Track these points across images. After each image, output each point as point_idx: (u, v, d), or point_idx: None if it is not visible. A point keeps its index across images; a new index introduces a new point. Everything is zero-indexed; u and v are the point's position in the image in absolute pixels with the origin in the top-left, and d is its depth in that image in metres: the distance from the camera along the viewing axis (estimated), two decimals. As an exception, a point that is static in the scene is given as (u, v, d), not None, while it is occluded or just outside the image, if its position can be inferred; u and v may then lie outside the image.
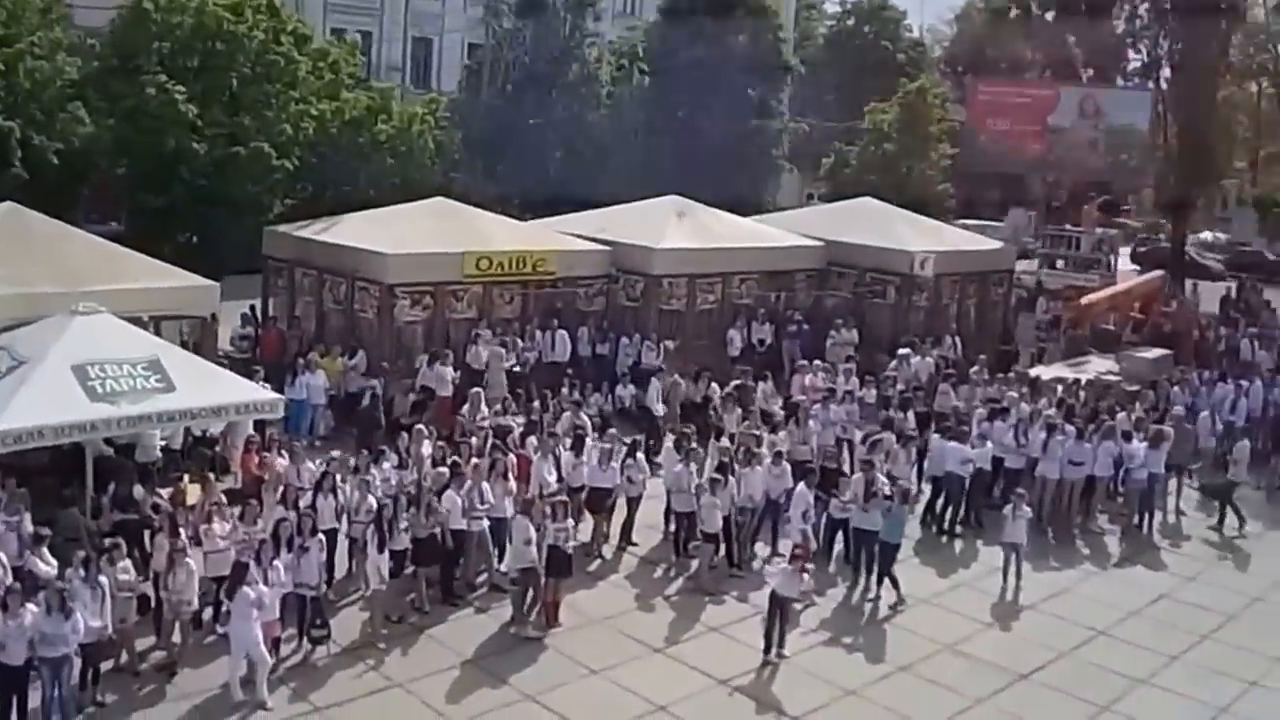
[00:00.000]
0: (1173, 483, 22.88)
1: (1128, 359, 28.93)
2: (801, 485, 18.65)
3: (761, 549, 19.51)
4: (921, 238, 32.92)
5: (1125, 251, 45.45)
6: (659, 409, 23.83)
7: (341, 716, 14.13)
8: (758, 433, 20.89)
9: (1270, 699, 15.95)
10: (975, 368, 26.78)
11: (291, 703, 14.25)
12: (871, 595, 18.30)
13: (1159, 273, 34.06)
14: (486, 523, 17.35)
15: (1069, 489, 21.67)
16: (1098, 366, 29.08)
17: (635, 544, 19.59)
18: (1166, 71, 48.65)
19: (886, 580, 18.20)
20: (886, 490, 18.49)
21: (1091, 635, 17.52)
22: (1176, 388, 26.36)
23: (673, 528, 19.57)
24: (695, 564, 18.72)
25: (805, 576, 16.33)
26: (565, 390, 23.11)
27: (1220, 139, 46.37)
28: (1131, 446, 21.80)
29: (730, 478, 18.65)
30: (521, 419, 21.39)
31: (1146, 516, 21.99)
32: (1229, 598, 19.22)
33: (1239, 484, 22.90)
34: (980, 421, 22.59)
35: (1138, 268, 37.81)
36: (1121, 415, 23.52)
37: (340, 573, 16.82)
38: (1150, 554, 21.12)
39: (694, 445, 19.62)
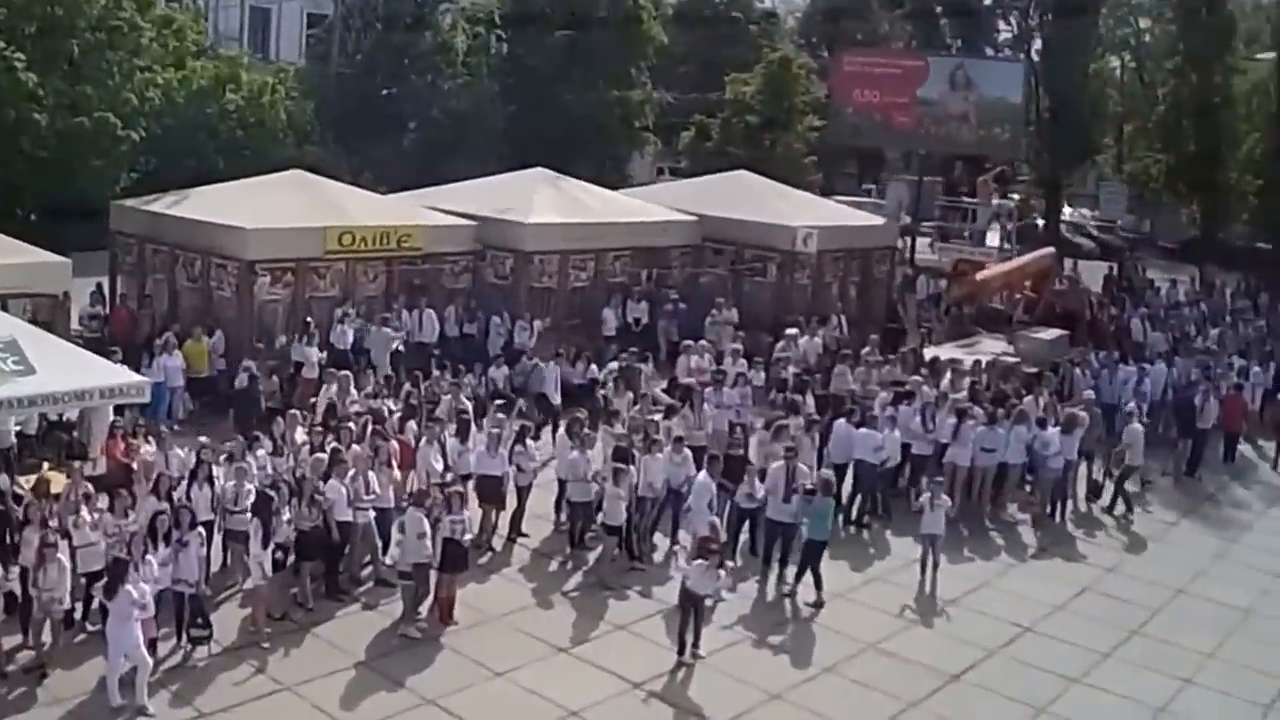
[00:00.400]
0: (1083, 469, 23.08)
1: (1024, 340, 29.09)
2: (704, 474, 18.23)
3: (660, 540, 18.97)
4: (802, 213, 32.86)
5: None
6: (556, 397, 23.21)
7: (229, 724, 13.31)
8: (655, 418, 20.34)
9: (1206, 697, 16.02)
10: (867, 349, 26.62)
11: (174, 707, 13.48)
12: (787, 590, 17.96)
13: (1049, 250, 34.39)
14: (372, 513, 16.59)
15: (981, 477, 21.70)
16: (991, 347, 29.22)
17: (526, 535, 18.95)
18: (1038, 44, 49.86)
19: (807, 576, 17.82)
20: (808, 482, 18.18)
21: (1019, 632, 17.46)
22: (1078, 370, 26.68)
23: (565, 518, 19.04)
24: (593, 557, 18.23)
25: (722, 573, 15.90)
26: (437, 372, 22.36)
27: (1092, 114, 47.42)
28: (1047, 433, 21.88)
29: (631, 466, 18.14)
30: (393, 403, 20.62)
31: (1060, 505, 22.13)
32: (1152, 590, 19.37)
33: (1135, 469, 23.08)
34: (884, 406, 22.43)
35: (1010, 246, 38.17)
36: (1029, 399, 23.72)
37: (214, 567, 16.01)
38: (1066, 544, 21.22)
39: (588, 431, 19.06)
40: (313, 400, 20.91)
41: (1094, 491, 22.99)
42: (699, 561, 15.65)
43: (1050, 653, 16.88)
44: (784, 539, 18.26)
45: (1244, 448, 27.13)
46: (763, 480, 18.68)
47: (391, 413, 19.95)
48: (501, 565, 18.02)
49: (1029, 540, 21.23)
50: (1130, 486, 23.02)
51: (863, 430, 21.00)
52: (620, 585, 17.56)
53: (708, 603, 16.00)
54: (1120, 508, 22.68)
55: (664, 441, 19.12)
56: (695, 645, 15.65)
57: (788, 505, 18.10)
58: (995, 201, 35.46)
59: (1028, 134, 44.60)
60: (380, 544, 16.88)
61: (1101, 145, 51.67)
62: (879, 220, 36.95)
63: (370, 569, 16.99)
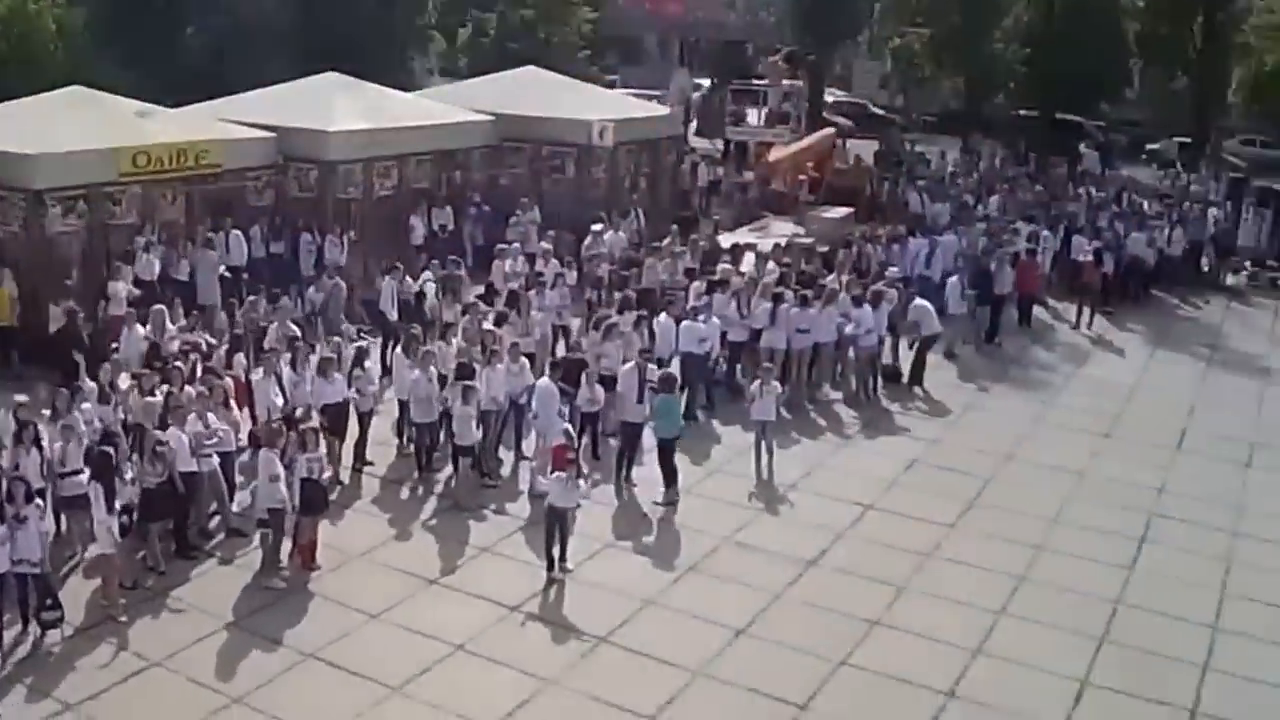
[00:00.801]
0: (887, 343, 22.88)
1: (814, 220, 28.90)
2: (545, 380, 17.43)
3: (503, 453, 18.11)
4: (595, 106, 31.66)
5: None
6: (393, 313, 21.58)
7: (101, 711, 11.81)
8: (491, 328, 19.24)
9: (1061, 562, 15.96)
10: (668, 239, 25.90)
11: (31, 702, 11.86)
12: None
13: (830, 130, 34.17)
14: (216, 459, 15.08)
15: (798, 359, 21.35)
16: (781, 230, 28.95)
17: (371, 463, 17.68)
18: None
19: (651, 473, 17.28)
20: (653, 379, 17.44)
21: (861, 511, 17.22)
22: (870, 245, 26.53)
23: (408, 441, 17.90)
24: (443, 478, 17.22)
25: (583, 483, 15.14)
26: (253, 298, 20.58)
27: None
28: (859, 311, 21.60)
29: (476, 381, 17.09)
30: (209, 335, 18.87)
31: (872, 380, 21.99)
32: (979, 459, 19.37)
33: (934, 339, 22.94)
34: (699, 296, 21.84)
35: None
36: (831, 278, 23.45)
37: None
38: (886, 420, 21.10)
39: (428, 348, 17.84)
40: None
41: (892, 375, 22.65)
42: (558, 474, 14.82)
43: (897, 529, 16.70)
44: (630, 440, 17.58)
45: (1038, 310, 27.51)
46: (603, 383, 17.97)
47: (212, 346, 18.34)
48: (352, 498, 16.71)
49: (849, 418, 21.00)
50: (932, 357, 23.02)
51: (686, 323, 20.37)
52: (475, 505, 16.58)
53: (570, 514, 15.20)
54: (916, 377, 22.55)
55: (501, 352, 18.12)
56: (563, 560, 14.89)
57: (640, 405, 17.38)
58: (785, 83, 34.83)
59: (791, 16, 44.18)
60: (226, 490, 15.44)
61: (861, 25, 51.42)
62: (665, 110, 35.93)
63: (218, 519, 15.50)
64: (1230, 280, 32.34)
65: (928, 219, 31.11)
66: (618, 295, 21.81)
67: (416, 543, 15.66)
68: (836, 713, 12.52)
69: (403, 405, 17.82)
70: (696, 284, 22.49)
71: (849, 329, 21.53)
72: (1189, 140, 43.58)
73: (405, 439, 18.04)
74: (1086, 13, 43.24)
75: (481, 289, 23.25)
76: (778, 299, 21.25)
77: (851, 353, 22.04)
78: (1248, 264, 32.91)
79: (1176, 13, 41.33)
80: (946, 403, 22.00)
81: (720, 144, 41.35)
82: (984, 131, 45.47)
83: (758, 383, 18.56)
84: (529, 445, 17.91)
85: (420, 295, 21.67)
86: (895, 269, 24.77)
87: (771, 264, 24.09)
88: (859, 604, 14.62)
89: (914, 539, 16.39)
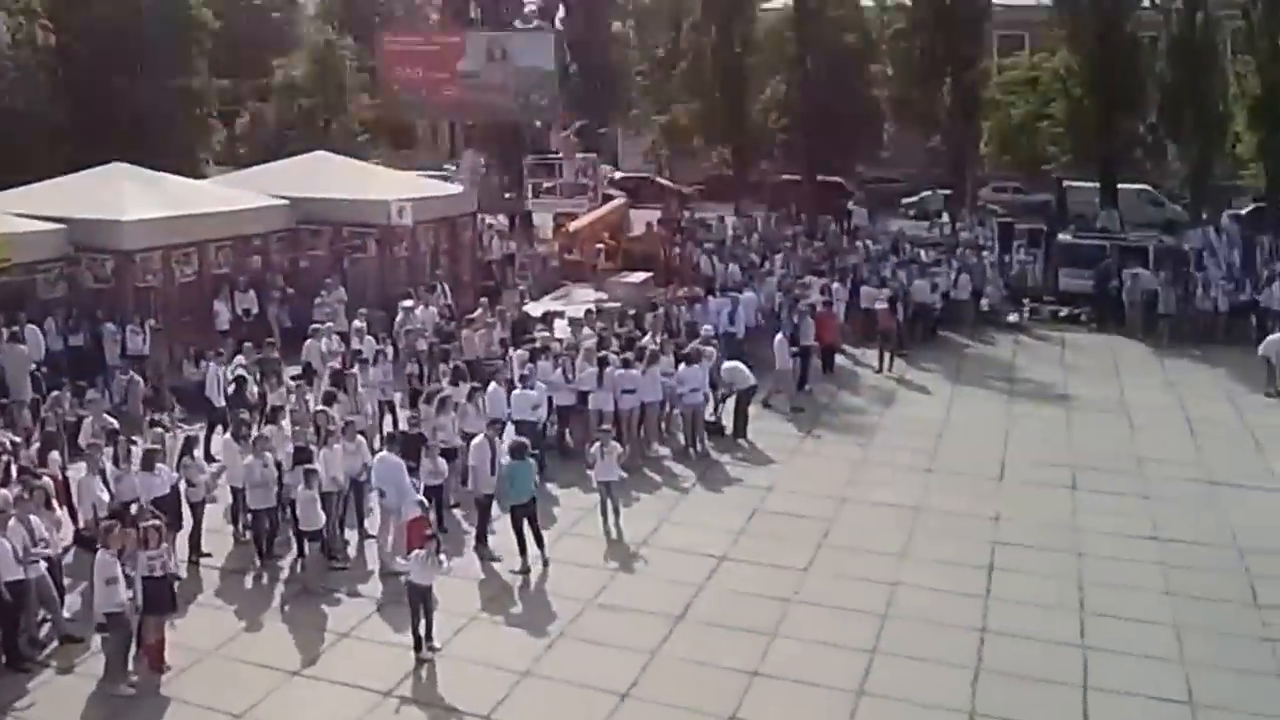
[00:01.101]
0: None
1: (615, 285, 28.46)
2: (386, 454, 16.41)
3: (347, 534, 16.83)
4: (391, 187, 30.73)
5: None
6: (220, 399, 19.97)
7: None
8: (325, 409, 17.89)
9: (919, 596, 15.60)
10: (479, 311, 24.96)
11: None
12: (518, 568, 16.17)
13: (621, 199, 33.90)
14: (44, 565, 13.38)
15: (626, 419, 20.66)
16: (583, 296, 28.40)
17: (208, 554, 16.15)
18: (561, 12, 49.28)
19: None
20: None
21: (715, 561, 16.59)
22: (675, 308, 26.22)
23: (245, 528, 16.43)
24: (286, 564, 15.86)
25: (443, 559, 14.02)
26: (57, 392, 18.70)
27: (617, 74, 47.33)
28: (685, 369, 21.17)
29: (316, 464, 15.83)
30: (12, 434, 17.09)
31: (701, 435, 21.44)
32: (816, 502, 18.98)
33: (751, 390, 22.40)
34: (523, 364, 21.03)
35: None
36: (646, 339, 22.93)
37: None
38: (719, 471, 20.55)
39: (260, 432, 16.45)
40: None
41: (716, 429, 22.05)
42: (418, 552, 13.70)
43: (755, 577, 16.11)
44: (487, 510, 16.71)
45: (840, 359, 27.57)
46: (444, 456, 17.10)
47: (17, 445, 16.54)
48: (193, 592, 15.14)
49: (683, 473, 20.37)
50: (753, 410, 22.60)
51: (518, 391, 19.63)
52: (326, 589, 15.26)
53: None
54: (740, 429, 22.11)
55: (336, 431, 16.83)
56: (429, 638, 13.77)
57: (493, 477, 16.45)
58: (579, 156, 34.48)
59: (563, 97, 43.97)
60: (56, 594, 13.74)
61: (627, 101, 51.58)
62: (458, 188, 35.17)
63: (49, 626, 13.81)
64: (1013, 318, 33.01)
65: (718, 279, 31.08)
66: (446, 367, 20.80)
67: (270, 633, 14.26)
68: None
69: (236, 492, 16.40)
70: (519, 352, 21.71)
71: (677, 387, 21.08)
72: (949, 191, 45.10)
73: (241, 526, 16.57)
74: (838, 85, 44.28)
75: (297, 370, 21.93)
76: (603, 362, 20.74)
77: (678, 410, 21.60)
78: (1024, 300, 33.79)
79: (926, 78, 42.89)
80: (771, 451, 21.55)
81: (504, 218, 40.88)
82: (753, 195, 46.04)
83: (597, 445, 17.85)
84: (372, 523, 16.72)
85: (241, 380, 20.07)
86: (709, 327, 24.45)
87: (586, 329, 23.49)
88: (734, 655, 13.96)
89: (772, 586, 15.84)
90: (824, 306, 26.97)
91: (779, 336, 24.45)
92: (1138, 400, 25.39)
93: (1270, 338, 26.61)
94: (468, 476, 17.06)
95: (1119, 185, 42.58)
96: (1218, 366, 28.25)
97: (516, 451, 16.37)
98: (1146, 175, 46.12)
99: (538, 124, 43.11)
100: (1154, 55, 41.43)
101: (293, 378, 20.98)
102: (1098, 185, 42.98)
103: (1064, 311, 33.29)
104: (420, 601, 13.66)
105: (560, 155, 34.15)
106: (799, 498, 19.25)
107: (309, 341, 22.71)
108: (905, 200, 49.78)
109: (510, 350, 22.62)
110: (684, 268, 32.31)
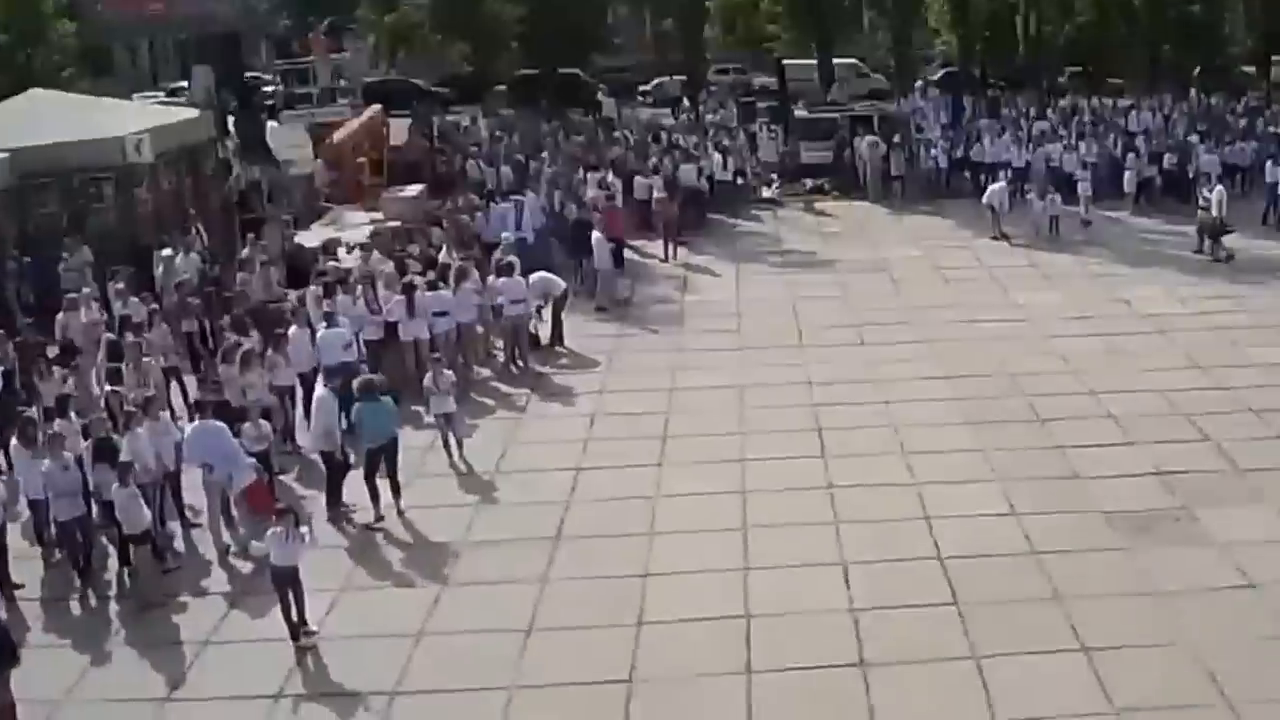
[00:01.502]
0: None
1: (390, 203, 25.91)
2: (200, 424, 14.03)
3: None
4: (122, 120, 26.48)
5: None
6: None
7: None
8: (114, 389, 15.23)
9: (769, 467, 15.05)
10: (246, 249, 22.38)
11: None
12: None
13: (377, 106, 30.60)
14: None
15: (444, 342, 18.71)
16: (355, 219, 25.94)
17: (20, 586, 13.06)
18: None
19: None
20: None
21: (573, 475, 15.27)
22: (466, 217, 24.19)
23: (55, 547, 13.53)
24: (113, 578, 13.33)
25: (305, 530, 12.11)
26: None
27: None
28: (502, 281, 19.43)
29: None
30: None
31: (524, 349, 19.71)
32: (649, 397, 18.00)
33: (565, 295, 20.85)
34: (319, 301, 18.65)
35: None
36: (442, 255, 21.01)
37: None
38: (548, 383, 19.07)
39: (53, 429, 13.68)
40: None
41: (533, 341, 20.31)
42: (275, 530, 11.68)
43: (614, 482, 15.04)
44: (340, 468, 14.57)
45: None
46: (264, 416, 14.81)
47: None
48: (20, 634, 11.85)
49: (513, 391, 18.69)
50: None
51: (322, 332, 17.17)
52: (166, 597, 12.80)
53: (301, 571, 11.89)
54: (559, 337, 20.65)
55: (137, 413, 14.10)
56: (304, 623, 11.75)
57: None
58: (334, 56, 30.81)
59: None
60: None
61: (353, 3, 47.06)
62: (195, 112, 30.95)
63: None
64: (767, 193, 32.74)
65: (488, 184, 29.11)
66: (229, 319, 18.10)
67: (122, 662, 11.79)
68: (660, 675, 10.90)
69: (37, 505, 13.52)
70: (313, 289, 19.20)
71: (498, 300, 19.30)
72: (684, 76, 44.04)
73: (49, 545, 13.68)
74: None
75: (56, 350, 18.36)
76: (409, 288, 18.61)
77: (499, 324, 19.79)
78: (774, 176, 33.56)
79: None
80: (591, 354, 20.27)
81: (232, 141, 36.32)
82: (497, 93, 43.49)
83: (429, 376, 16.08)
84: (196, 505, 14.26)
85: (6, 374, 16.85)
86: (507, 234, 22.59)
87: (377, 254, 21.17)
88: (621, 563, 12.99)
89: (634, 486, 14.92)
90: (607, 200, 25.57)
91: (595, 234, 22.95)
92: (892, 257, 26.26)
93: (991, 188, 28.04)
94: (295, 435, 15.00)
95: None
96: (948, 218, 29.70)
97: (366, 391, 14.39)
98: (854, 49, 46.66)
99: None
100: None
101: (54, 360, 17.50)
102: (812, 63, 43.26)
103: (809, 183, 33.40)
104: (288, 585, 11.67)
105: (311, 58, 30.32)
106: (632, 395, 18.25)
107: (63, 315, 18.97)
108: (642, 88, 48.49)
109: (295, 290, 20.17)
110: (452, 175, 30.00)
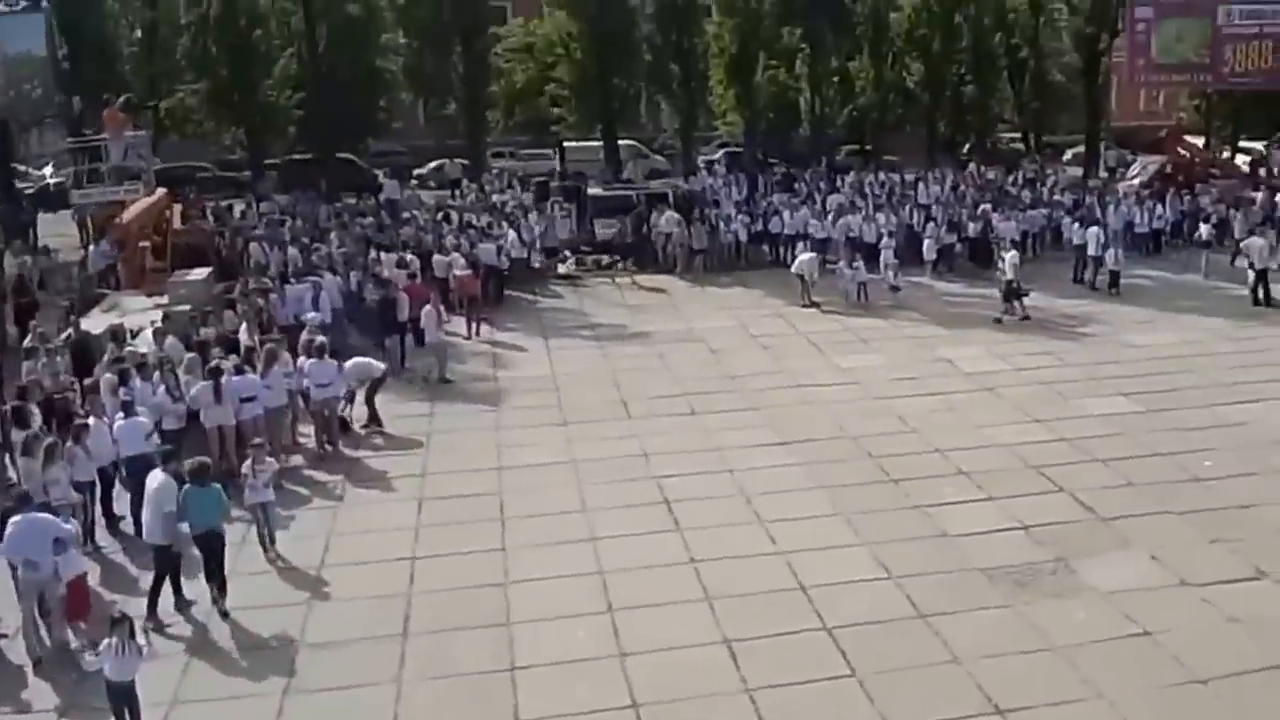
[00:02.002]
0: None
1: (175, 286, 23.67)
2: (26, 516, 11.90)
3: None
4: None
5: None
6: None
7: None
8: None
9: (623, 545, 14.07)
10: (30, 337, 20.04)
11: None
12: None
13: (162, 190, 28.14)
14: None
15: (251, 429, 16.94)
16: (139, 304, 23.69)
17: None
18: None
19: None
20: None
21: (409, 565, 13.83)
22: (260, 299, 22.40)
23: None
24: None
25: (142, 640, 10.38)
26: None
27: (112, 56, 39.44)
28: (312, 364, 17.88)
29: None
30: None
31: (335, 433, 18.09)
32: (478, 478, 16.67)
33: (383, 378, 19.61)
34: (114, 389, 16.52)
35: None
36: (243, 336, 19.34)
37: None
38: (362, 468, 17.45)
39: None
40: None
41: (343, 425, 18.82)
42: (109, 641, 9.94)
43: (458, 570, 13.63)
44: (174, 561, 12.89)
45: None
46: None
47: None
48: None
49: (326, 478, 17.00)
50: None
51: (120, 423, 15.32)
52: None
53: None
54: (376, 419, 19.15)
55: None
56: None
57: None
58: (129, 134, 28.17)
59: (58, 83, 36.92)
60: None
61: (125, 84, 44.10)
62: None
63: None
64: (563, 269, 32.27)
65: (274, 266, 27.25)
66: (24, 407, 15.91)
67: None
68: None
69: None
70: (108, 376, 17.09)
71: (306, 383, 17.69)
72: (466, 160, 43.54)
73: None
74: (348, 58, 41.47)
75: None
76: (216, 372, 16.82)
77: (309, 410, 18.22)
78: (567, 253, 33.00)
79: (438, 46, 40.76)
80: (406, 435, 18.78)
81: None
82: (275, 178, 41.44)
83: (249, 464, 14.43)
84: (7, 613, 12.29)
85: None
86: (312, 314, 20.95)
87: (171, 338, 19.19)
88: (481, 657, 11.67)
89: (479, 573, 13.54)
90: (409, 279, 24.24)
91: (426, 308, 21.78)
92: (704, 327, 25.74)
93: (801, 258, 28.14)
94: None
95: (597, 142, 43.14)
96: (752, 288, 29.66)
97: (198, 475, 12.71)
98: (639, 130, 46.95)
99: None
100: (644, 18, 42.07)
101: None
102: (591, 144, 43.35)
103: (605, 259, 32.99)
104: (125, 702, 10.00)
105: (104, 136, 27.67)
106: (459, 477, 16.85)
107: None
108: (417, 171, 47.37)
109: (82, 379, 17.88)
110: (235, 258, 27.89)
